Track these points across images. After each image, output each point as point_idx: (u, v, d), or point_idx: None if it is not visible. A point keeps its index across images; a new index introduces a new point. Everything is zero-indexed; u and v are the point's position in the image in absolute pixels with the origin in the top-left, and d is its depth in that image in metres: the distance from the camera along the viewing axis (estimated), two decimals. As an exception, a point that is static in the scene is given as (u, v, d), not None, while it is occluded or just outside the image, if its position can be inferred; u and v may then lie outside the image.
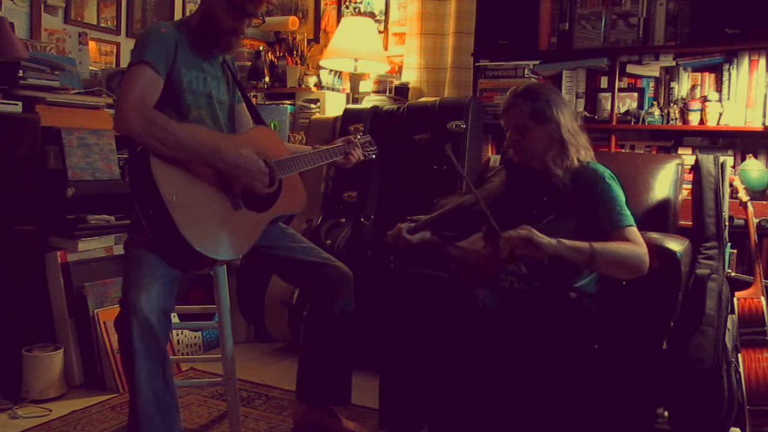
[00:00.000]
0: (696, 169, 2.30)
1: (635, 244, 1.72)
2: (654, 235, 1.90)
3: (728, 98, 2.73)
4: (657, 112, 2.85)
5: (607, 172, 1.83)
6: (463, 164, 2.84)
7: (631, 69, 2.95)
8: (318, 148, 2.10)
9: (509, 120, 1.88)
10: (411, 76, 3.66)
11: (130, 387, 1.65)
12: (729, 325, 2.07)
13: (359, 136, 2.20)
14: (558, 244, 1.67)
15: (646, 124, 2.87)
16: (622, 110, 2.94)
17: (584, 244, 1.68)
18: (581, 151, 1.86)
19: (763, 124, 2.65)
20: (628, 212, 1.78)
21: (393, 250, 2.58)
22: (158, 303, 1.64)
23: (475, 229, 1.98)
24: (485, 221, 1.80)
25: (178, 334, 2.85)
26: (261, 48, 3.98)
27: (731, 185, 2.39)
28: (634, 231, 1.76)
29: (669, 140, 2.89)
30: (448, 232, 1.95)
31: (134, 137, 1.69)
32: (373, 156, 2.24)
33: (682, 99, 2.84)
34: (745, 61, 2.68)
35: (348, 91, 3.88)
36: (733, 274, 2.36)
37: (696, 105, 2.77)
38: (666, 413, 2.06)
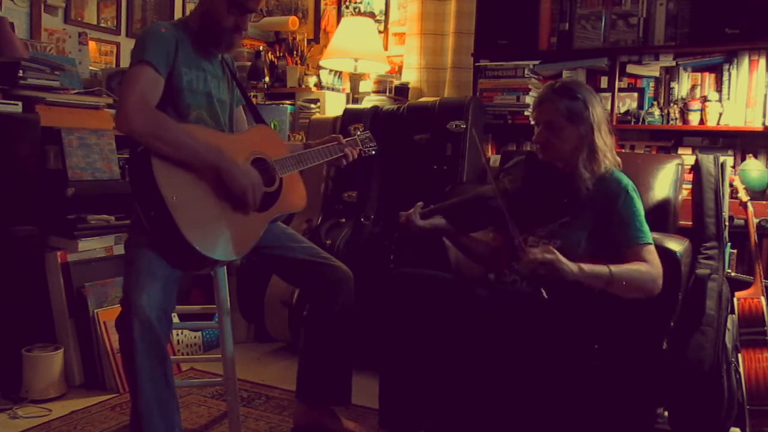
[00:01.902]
0: (696, 169, 2.30)
1: (651, 266, 1.69)
2: (654, 235, 1.90)
3: (728, 98, 2.73)
4: (657, 112, 2.85)
5: (630, 185, 1.79)
6: (462, 164, 2.84)
7: (631, 69, 2.95)
8: (311, 145, 2.10)
9: (542, 114, 1.83)
10: (411, 76, 3.66)
11: (131, 387, 1.65)
12: (729, 325, 2.07)
13: (359, 133, 2.20)
14: (579, 271, 1.63)
15: (646, 124, 2.87)
16: (622, 110, 2.94)
17: (604, 270, 1.65)
18: (608, 155, 1.82)
19: (763, 124, 2.65)
20: (647, 228, 1.74)
21: (398, 238, 2.60)
22: (159, 303, 1.64)
23: (489, 220, 1.94)
24: (500, 214, 1.77)
25: (178, 334, 2.85)
26: (261, 48, 3.98)
27: (731, 185, 2.39)
28: (651, 250, 1.72)
29: (669, 140, 2.89)
30: (460, 219, 1.93)
31: (136, 137, 1.68)
32: (373, 152, 2.24)
33: (682, 99, 2.84)
34: (745, 61, 2.69)
35: (348, 91, 3.88)
36: (733, 274, 2.36)
37: (696, 105, 2.77)
38: (666, 413, 2.07)
